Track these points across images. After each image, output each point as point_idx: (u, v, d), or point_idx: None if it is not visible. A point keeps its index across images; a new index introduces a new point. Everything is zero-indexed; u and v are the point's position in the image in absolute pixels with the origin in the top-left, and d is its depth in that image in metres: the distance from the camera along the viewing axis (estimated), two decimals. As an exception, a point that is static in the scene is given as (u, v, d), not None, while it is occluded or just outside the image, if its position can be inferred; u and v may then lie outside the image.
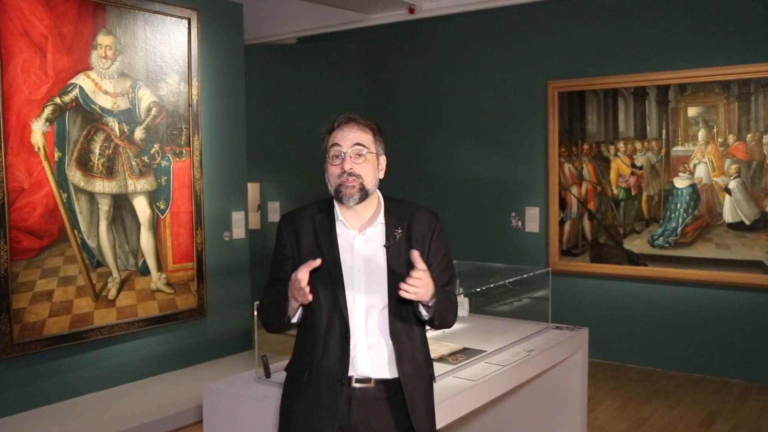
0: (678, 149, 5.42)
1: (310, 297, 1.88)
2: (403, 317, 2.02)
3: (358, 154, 1.98)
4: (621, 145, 5.65)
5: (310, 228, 2.05)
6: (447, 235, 2.14)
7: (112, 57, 4.63)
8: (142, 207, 4.83)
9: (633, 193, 5.64)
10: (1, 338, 4.08)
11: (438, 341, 3.31)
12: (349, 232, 2.04)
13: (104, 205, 4.61)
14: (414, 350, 2.04)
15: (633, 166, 5.62)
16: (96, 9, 4.53)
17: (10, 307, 4.11)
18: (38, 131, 4.25)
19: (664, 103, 5.44)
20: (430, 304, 1.96)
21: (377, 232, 2.04)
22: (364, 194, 1.99)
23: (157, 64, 4.90)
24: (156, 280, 4.93)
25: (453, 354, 3.17)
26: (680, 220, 5.44)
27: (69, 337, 4.41)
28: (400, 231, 2.03)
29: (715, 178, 5.29)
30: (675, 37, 5.37)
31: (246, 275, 5.67)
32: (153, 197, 4.89)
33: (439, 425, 2.25)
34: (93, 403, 4.46)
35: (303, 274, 1.84)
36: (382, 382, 2.01)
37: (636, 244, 5.64)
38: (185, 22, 5.07)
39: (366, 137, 2.01)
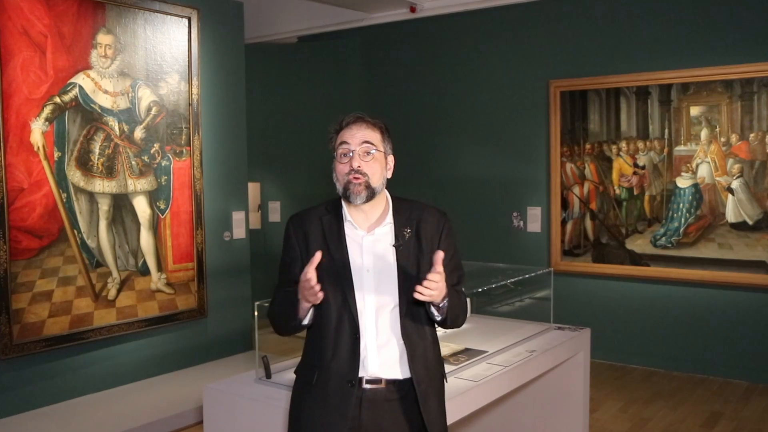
0: (680, 149, 5.40)
1: (321, 295, 1.87)
2: (415, 317, 2.01)
3: (366, 153, 1.97)
4: (623, 144, 5.63)
5: (318, 229, 2.04)
6: (456, 235, 2.13)
7: (111, 56, 4.61)
8: (142, 207, 4.81)
9: (635, 193, 5.61)
10: (1, 339, 4.06)
11: (440, 342, 3.29)
12: (358, 232, 2.03)
13: (104, 205, 4.59)
14: (426, 350, 2.04)
15: (635, 165, 5.59)
16: (96, 8, 4.51)
17: (9, 307, 4.10)
18: (38, 131, 4.23)
19: (667, 103, 5.42)
20: (441, 305, 1.95)
21: (386, 231, 2.03)
22: (371, 193, 1.98)
23: (157, 63, 4.88)
24: (156, 280, 4.91)
25: (455, 354, 3.16)
26: (683, 220, 5.41)
27: (69, 338, 4.39)
28: (409, 230, 2.03)
29: (717, 178, 5.26)
30: (677, 37, 5.35)
31: (246, 275, 5.66)
32: (153, 197, 4.88)
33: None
34: (93, 404, 4.45)
35: (311, 273, 1.83)
36: (392, 383, 2.00)
37: (638, 244, 5.62)
38: (185, 21, 5.05)
39: (374, 136, 2.00)
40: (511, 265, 4.49)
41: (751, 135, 5.11)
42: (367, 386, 1.98)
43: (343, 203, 2.04)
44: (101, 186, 4.58)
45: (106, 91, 4.58)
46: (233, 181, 5.54)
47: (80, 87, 4.44)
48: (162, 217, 4.94)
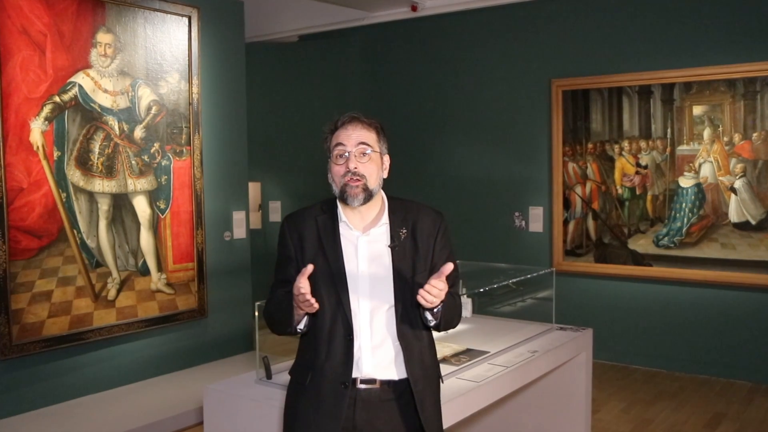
0: (683, 148, 5.38)
1: (316, 306, 1.87)
2: (411, 318, 2.00)
3: (362, 153, 1.96)
4: (625, 144, 5.61)
5: (313, 229, 2.02)
6: (451, 236, 2.12)
7: (111, 55, 4.60)
8: (142, 207, 4.79)
9: (638, 193, 5.59)
10: (0, 339, 4.04)
11: (441, 342, 3.28)
12: (353, 233, 2.01)
13: (104, 205, 4.58)
14: (422, 351, 2.03)
15: (638, 165, 5.57)
16: (95, 7, 4.50)
17: (8, 307, 4.08)
18: (37, 130, 4.22)
19: (669, 102, 5.40)
20: (435, 311, 1.95)
21: (381, 232, 2.02)
22: (369, 194, 1.96)
23: (157, 62, 4.86)
24: (156, 280, 4.90)
25: (456, 355, 3.14)
26: (685, 219, 5.39)
27: (68, 338, 4.38)
28: (404, 231, 2.01)
29: (720, 178, 5.24)
30: (680, 35, 5.33)
31: (247, 275, 5.64)
32: (153, 197, 4.86)
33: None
34: (92, 405, 4.43)
35: (305, 287, 1.82)
36: (387, 383, 1.99)
37: (641, 244, 5.59)
38: (186, 19, 5.03)
39: (370, 136, 1.99)
40: (512, 265, 4.48)
41: (754, 134, 5.09)
42: (362, 386, 1.97)
43: (339, 203, 2.03)
44: (101, 186, 4.56)
45: (105, 91, 4.57)
46: (233, 181, 5.52)
47: (80, 86, 4.42)
48: (162, 216, 4.92)
